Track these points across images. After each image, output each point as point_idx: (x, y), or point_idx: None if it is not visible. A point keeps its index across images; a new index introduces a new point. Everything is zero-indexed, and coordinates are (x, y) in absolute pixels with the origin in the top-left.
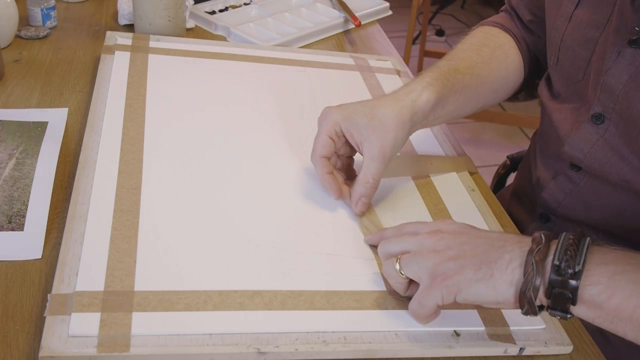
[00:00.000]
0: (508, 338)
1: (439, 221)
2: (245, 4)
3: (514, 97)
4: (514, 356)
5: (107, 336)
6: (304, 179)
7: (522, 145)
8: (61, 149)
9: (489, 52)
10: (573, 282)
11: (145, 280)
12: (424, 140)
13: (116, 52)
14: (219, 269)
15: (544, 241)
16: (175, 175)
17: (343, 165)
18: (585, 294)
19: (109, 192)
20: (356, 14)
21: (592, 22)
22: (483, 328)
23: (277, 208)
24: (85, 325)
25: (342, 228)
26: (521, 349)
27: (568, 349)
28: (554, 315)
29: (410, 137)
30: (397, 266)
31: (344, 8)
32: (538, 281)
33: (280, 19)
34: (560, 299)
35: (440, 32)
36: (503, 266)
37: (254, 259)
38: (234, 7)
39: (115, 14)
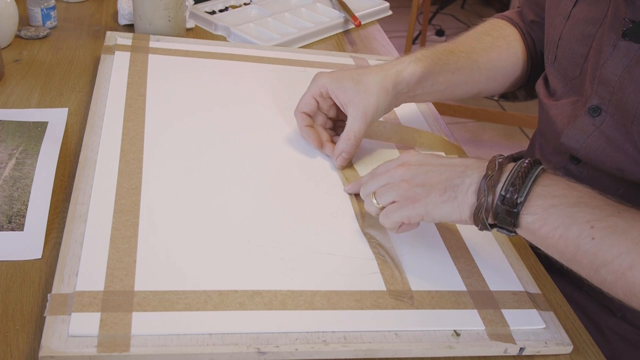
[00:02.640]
0: (508, 338)
1: (404, 154)
2: (245, 4)
3: (518, 91)
4: (514, 356)
5: (107, 336)
6: (304, 179)
7: (522, 145)
8: (61, 149)
9: (490, 41)
10: (514, 211)
11: (145, 280)
12: None
13: (116, 52)
14: (219, 269)
15: (497, 168)
16: (175, 175)
17: (333, 126)
18: (522, 220)
19: (109, 192)
20: (356, 14)
21: (589, 18)
22: (483, 328)
23: (277, 208)
24: (85, 325)
25: (342, 228)
26: (521, 349)
27: (568, 349)
28: (502, 232)
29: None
30: (374, 200)
31: (344, 8)
32: (487, 206)
33: (280, 19)
34: (504, 221)
35: (440, 32)
36: (464, 190)
37: (254, 259)
38: (234, 7)
39: (115, 14)
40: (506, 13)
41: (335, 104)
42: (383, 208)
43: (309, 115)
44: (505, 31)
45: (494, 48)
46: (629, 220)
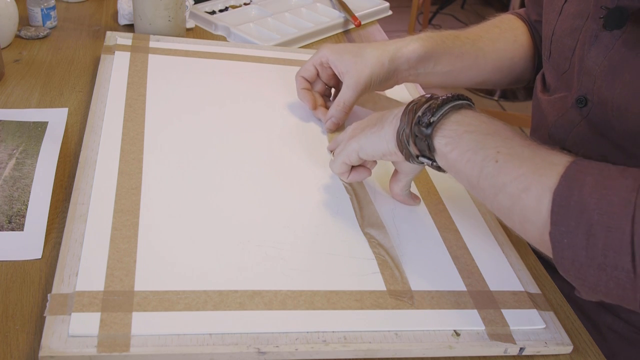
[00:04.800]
0: (508, 338)
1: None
2: (245, 4)
3: (518, 91)
4: (514, 356)
5: (107, 336)
6: (304, 179)
7: None
8: (61, 149)
9: (498, 32)
10: (426, 131)
11: (145, 280)
12: None
13: (116, 52)
14: (219, 269)
15: (423, 100)
16: (175, 175)
17: (334, 96)
18: (436, 144)
19: (109, 192)
20: (356, 14)
21: (577, 12)
22: (483, 328)
23: (277, 208)
24: (85, 325)
25: (342, 228)
26: (521, 349)
27: (568, 349)
28: (425, 162)
29: None
30: (333, 157)
31: (344, 8)
32: (407, 128)
33: (280, 19)
34: (421, 145)
35: None
36: (390, 119)
37: (254, 259)
38: (234, 7)
39: (115, 14)
40: (518, 10)
41: (335, 74)
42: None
43: (308, 81)
44: (514, 24)
45: (500, 39)
46: (534, 150)
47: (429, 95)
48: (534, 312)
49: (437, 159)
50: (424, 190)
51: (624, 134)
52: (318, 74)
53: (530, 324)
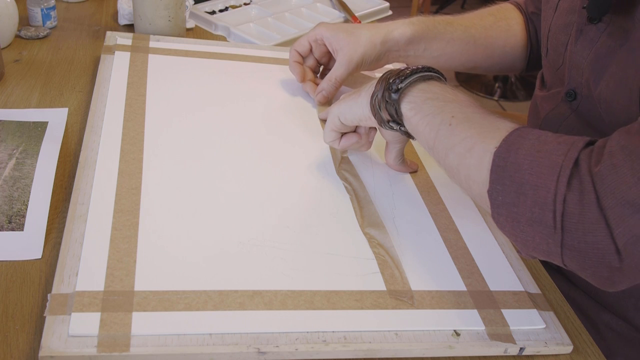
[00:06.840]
0: (508, 338)
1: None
2: (245, 4)
3: (518, 91)
4: (514, 356)
5: (107, 336)
6: (304, 179)
7: None
8: (61, 149)
9: (492, 20)
10: (394, 96)
11: (145, 280)
12: None
13: (116, 52)
14: (219, 269)
15: (396, 70)
16: (175, 175)
17: (320, 73)
18: (402, 108)
19: (109, 192)
20: (356, 14)
21: (571, 8)
22: (483, 328)
23: (277, 207)
24: (85, 325)
25: (342, 228)
26: (521, 349)
27: (568, 349)
28: (396, 127)
29: None
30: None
31: (344, 8)
32: (379, 94)
33: (280, 19)
34: (390, 110)
35: None
36: (367, 88)
37: (254, 259)
38: (234, 7)
39: (115, 14)
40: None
41: (329, 52)
42: (333, 131)
43: (301, 55)
44: (509, 14)
45: (494, 27)
46: (485, 116)
47: (404, 67)
48: (534, 312)
49: (404, 123)
50: (424, 191)
51: (612, 125)
52: (312, 50)
53: (530, 324)
